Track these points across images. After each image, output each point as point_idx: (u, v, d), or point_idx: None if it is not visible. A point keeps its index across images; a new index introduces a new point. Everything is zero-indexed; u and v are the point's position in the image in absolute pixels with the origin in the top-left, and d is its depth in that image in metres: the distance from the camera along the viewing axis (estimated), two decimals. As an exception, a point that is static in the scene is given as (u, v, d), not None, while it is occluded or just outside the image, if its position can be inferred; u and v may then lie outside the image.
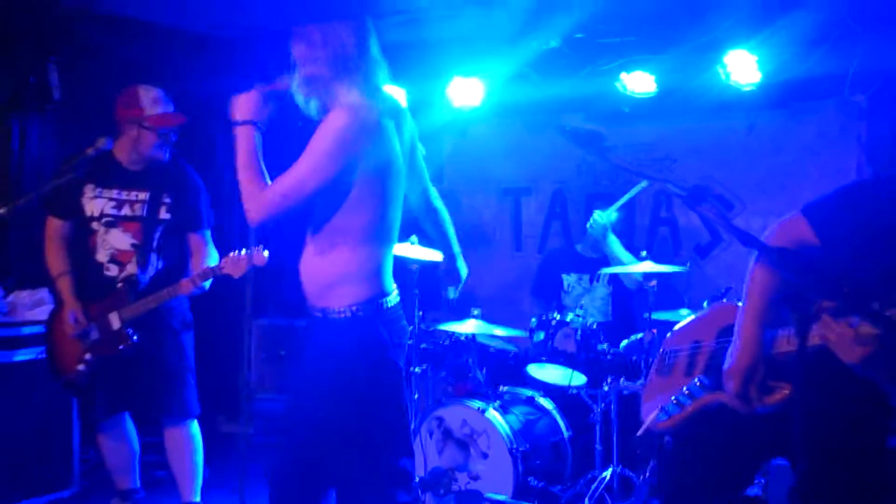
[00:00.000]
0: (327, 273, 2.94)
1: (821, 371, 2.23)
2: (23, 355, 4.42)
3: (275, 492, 2.92)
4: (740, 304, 2.64)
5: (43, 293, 4.73)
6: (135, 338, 3.84)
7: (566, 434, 4.52)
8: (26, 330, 4.48)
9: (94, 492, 4.65)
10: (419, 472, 4.41)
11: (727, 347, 2.55)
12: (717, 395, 2.58)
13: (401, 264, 4.86)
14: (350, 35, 2.94)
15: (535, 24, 5.02)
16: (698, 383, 2.65)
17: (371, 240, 2.91)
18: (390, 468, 2.87)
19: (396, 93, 5.81)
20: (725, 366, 2.52)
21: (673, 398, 2.65)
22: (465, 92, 5.57)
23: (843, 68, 4.75)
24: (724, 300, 2.79)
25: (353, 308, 2.87)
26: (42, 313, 4.59)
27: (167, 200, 3.95)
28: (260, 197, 2.77)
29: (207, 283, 3.88)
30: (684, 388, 2.65)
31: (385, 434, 2.87)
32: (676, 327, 2.98)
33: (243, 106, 2.86)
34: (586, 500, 4.25)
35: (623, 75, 5.13)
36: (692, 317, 2.97)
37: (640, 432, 2.83)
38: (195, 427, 4.03)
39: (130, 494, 4.15)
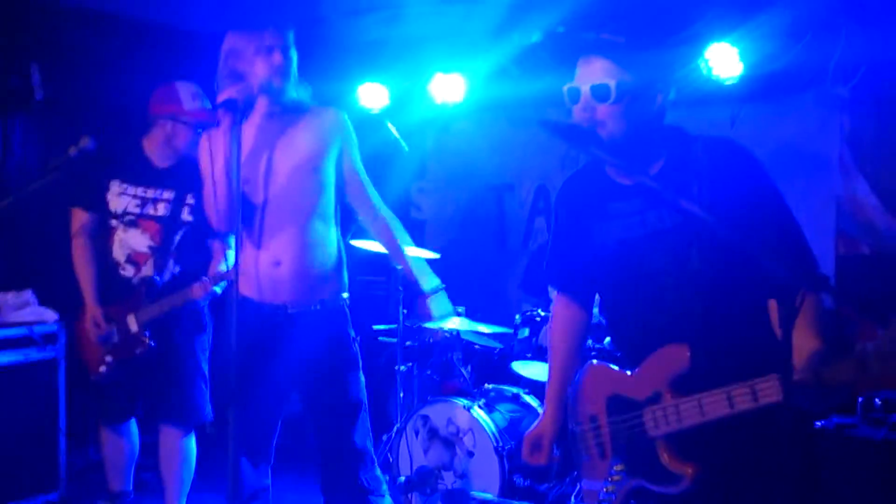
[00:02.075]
0: (326, 261, 3.19)
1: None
2: (8, 357, 4.38)
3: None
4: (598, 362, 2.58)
5: (28, 295, 4.71)
6: (152, 342, 3.85)
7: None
8: (11, 332, 4.44)
9: (80, 495, 4.64)
10: (405, 472, 4.42)
11: (624, 426, 2.36)
12: (635, 479, 2.37)
13: (385, 263, 4.89)
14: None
15: (517, 19, 5.02)
16: (616, 471, 2.42)
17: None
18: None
19: (379, 91, 5.84)
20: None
21: (604, 488, 2.44)
22: (447, 88, 5.56)
23: (824, 60, 4.75)
24: (594, 360, 2.62)
25: (345, 295, 3.26)
26: (27, 315, 4.58)
27: (191, 202, 3.92)
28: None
29: (220, 288, 3.87)
30: (608, 477, 2.43)
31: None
32: (570, 399, 2.66)
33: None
34: (573, 498, 4.24)
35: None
36: (576, 379, 2.66)
37: None
38: (191, 436, 4.05)
39: (122, 497, 4.16)
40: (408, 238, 3.34)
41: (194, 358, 3.99)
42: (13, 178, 5.34)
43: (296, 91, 3.17)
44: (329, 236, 3.18)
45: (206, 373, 4.03)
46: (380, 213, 3.32)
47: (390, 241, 3.33)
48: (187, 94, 3.90)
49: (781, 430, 1.99)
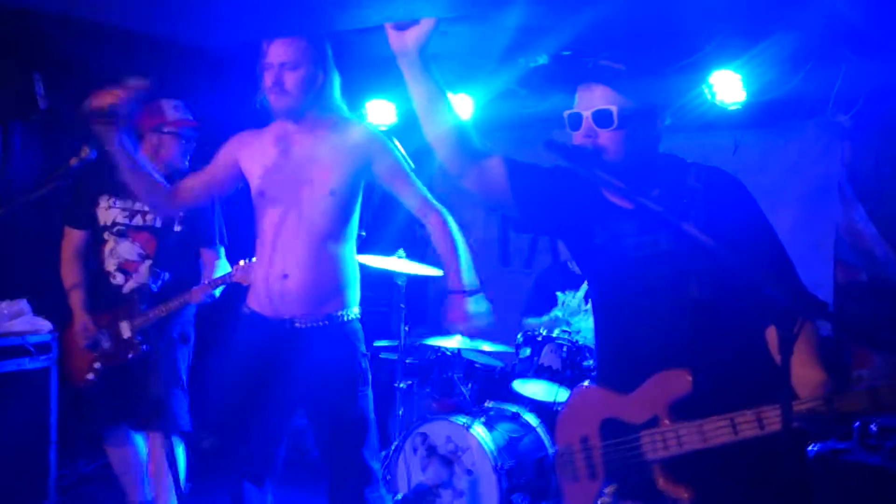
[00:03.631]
0: (336, 277, 3.15)
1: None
2: (1, 366, 4.32)
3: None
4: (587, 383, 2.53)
5: (22, 304, 4.67)
6: (144, 346, 3.89)
7: (551, 450, 4.51)
8: (5, 341, 4.38)
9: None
10: (402, 490, 4.40)
11: (619, 449, 2.32)
12: (626, 501, 2.35)
13: (388, 279, 4.90)
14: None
15: (523, 41, 5.04)
16: (606, 493, 2.35)
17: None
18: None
19: (386, 108, 5.85)
20: None
21: None
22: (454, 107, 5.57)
23: (825, 89, 4.79)
24: (586, 382, 2.60)
25: (355, 310, 3.21)
26: (21, 324, 4.54)
27: (181, 213, 3.99)
28: None
29: (218, 291, 3.92)
30: (597, 499, 2.37)
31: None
32: (559, 419, 2.58)
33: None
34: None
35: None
36: (565, 400, 2.62)
37: None
38: (178, 444, 4.02)
39: None
40: (460, 236, 3.26)
41: (174, 367, 4.02)
42: (13, 185, 5.34)
43: (322, 109, 3.17)
44: (340, 253, 3.15)
45: (185, 383, 4.06)
46: (431, 211, 3.25)
47: (440, 239, 3.27)
48: (170, 107, 4.05)
49: (778, 454, 1.99)
